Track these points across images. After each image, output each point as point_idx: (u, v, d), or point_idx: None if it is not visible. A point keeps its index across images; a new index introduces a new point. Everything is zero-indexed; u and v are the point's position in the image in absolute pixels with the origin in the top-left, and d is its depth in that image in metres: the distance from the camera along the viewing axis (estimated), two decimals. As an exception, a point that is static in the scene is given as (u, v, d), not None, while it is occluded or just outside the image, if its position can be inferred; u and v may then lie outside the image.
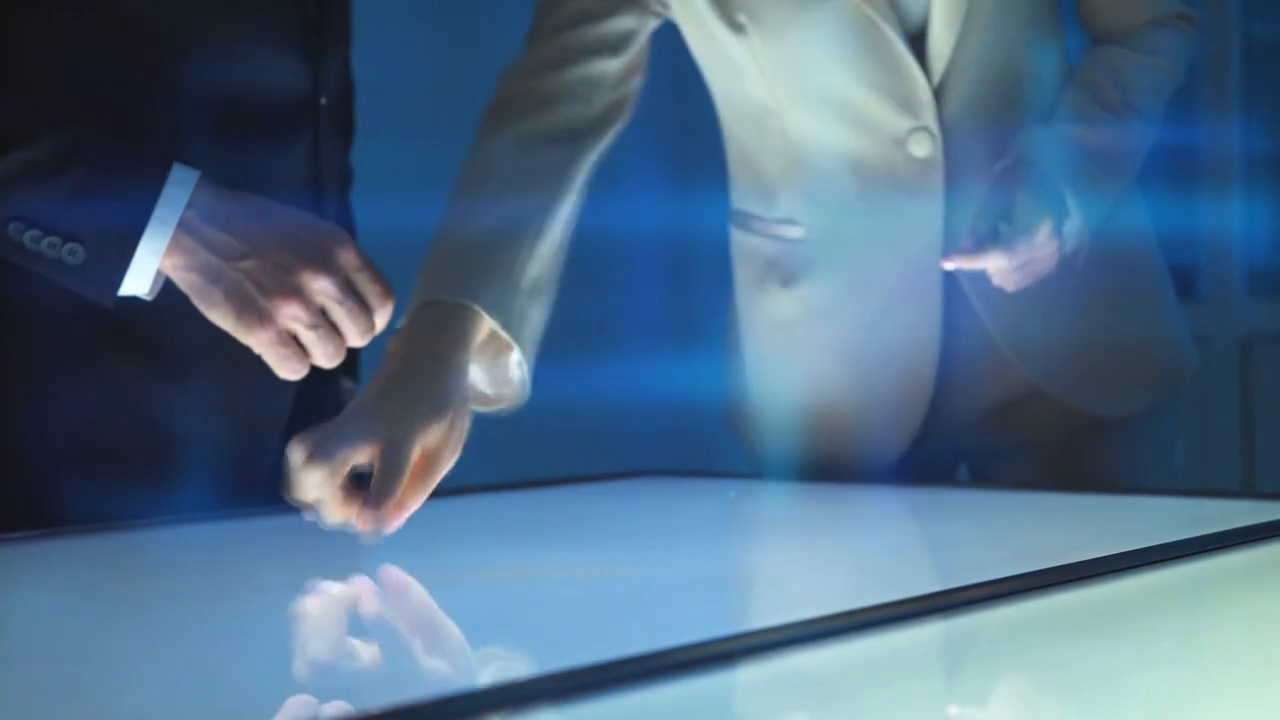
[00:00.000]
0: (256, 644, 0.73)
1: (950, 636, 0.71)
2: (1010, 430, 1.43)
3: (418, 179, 2.76)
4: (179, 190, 1.02)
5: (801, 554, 1.00)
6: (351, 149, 1.40)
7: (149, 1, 1.11)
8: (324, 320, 1.03)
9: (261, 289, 1.02)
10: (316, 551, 1.02)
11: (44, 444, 1.13)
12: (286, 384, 1.21)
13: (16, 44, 1.08)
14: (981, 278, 1.33)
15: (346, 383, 1.37)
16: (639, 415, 2.92)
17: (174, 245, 1.02)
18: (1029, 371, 1.39)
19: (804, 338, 1.42)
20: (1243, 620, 0.76)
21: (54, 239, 1.01)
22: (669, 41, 1.41)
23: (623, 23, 1.34)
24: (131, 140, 1.07)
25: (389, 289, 1.06)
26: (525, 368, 1.15)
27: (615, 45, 1.33)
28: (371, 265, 1.05)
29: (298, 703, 0.61)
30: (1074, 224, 1.32)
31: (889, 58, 1.32)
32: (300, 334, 1.03)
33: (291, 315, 1.02)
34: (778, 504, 1.31)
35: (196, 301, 1.03)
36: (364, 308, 1.04)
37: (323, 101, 1.23)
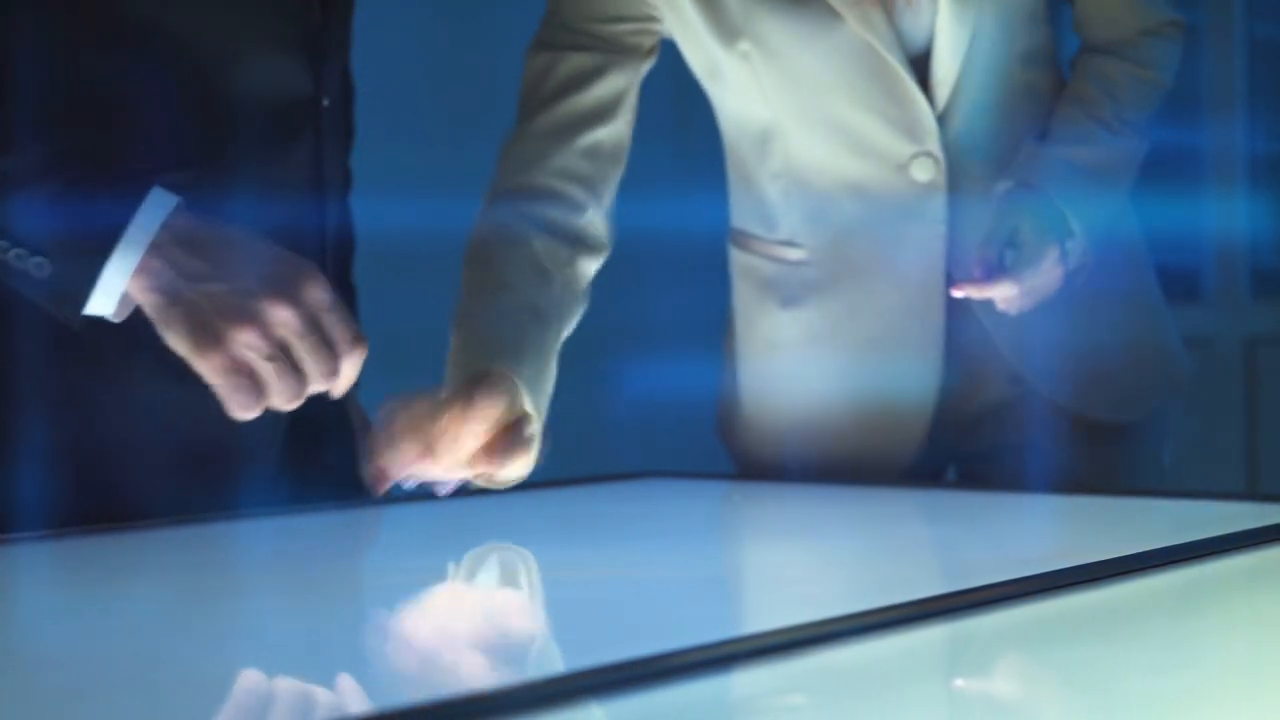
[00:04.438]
0: (257, 644, 0.73)
1: (952, 640, 0.71)
2: (1000, 432, 1.43)
3: (417, 181, 2.76)
4: (154, 212, 1.00)
5: (800, 556, 0.99)
6: (351, 152, 1.40)
7: (151, 3, 1.11)
8: (284, 356, 0.99)
9: (219, 313, 0.98)
10: (317, 553, 1.02)
11: (47, 446, 1.13)
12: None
13: (12, 46, 1.08)
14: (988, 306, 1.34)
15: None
16: (640, 416, 2.92)
17: (142, 268, 0.99)
18: (1037, 380, 1.39)
19: (804, 359, 1.42)
20: (1245, 624, 0.76)
21: (21, 250, 0.99)
22: (673, 43, 1.41)
23: (614, 83, 1.35)
24: (126, 152, 1.07)
25: (360, 335, 1.02)
26: (536, 441, 1.15)
27: (609, 110, 1.35)
28: (344, 308, 1.02)
29: (298, 703, 0.61)
30: (1076, 243, 1.33)
31: (892, 86, 1.32)
32: (257, 366, 0.99)
33: (246, 342, 0.98)
34: (777, 505, 1.31)
35: (155, 321, 1.00)
36: (329, 349, 1.00)
37: (325, 103, 1.22)
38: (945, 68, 1.32)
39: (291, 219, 1.20)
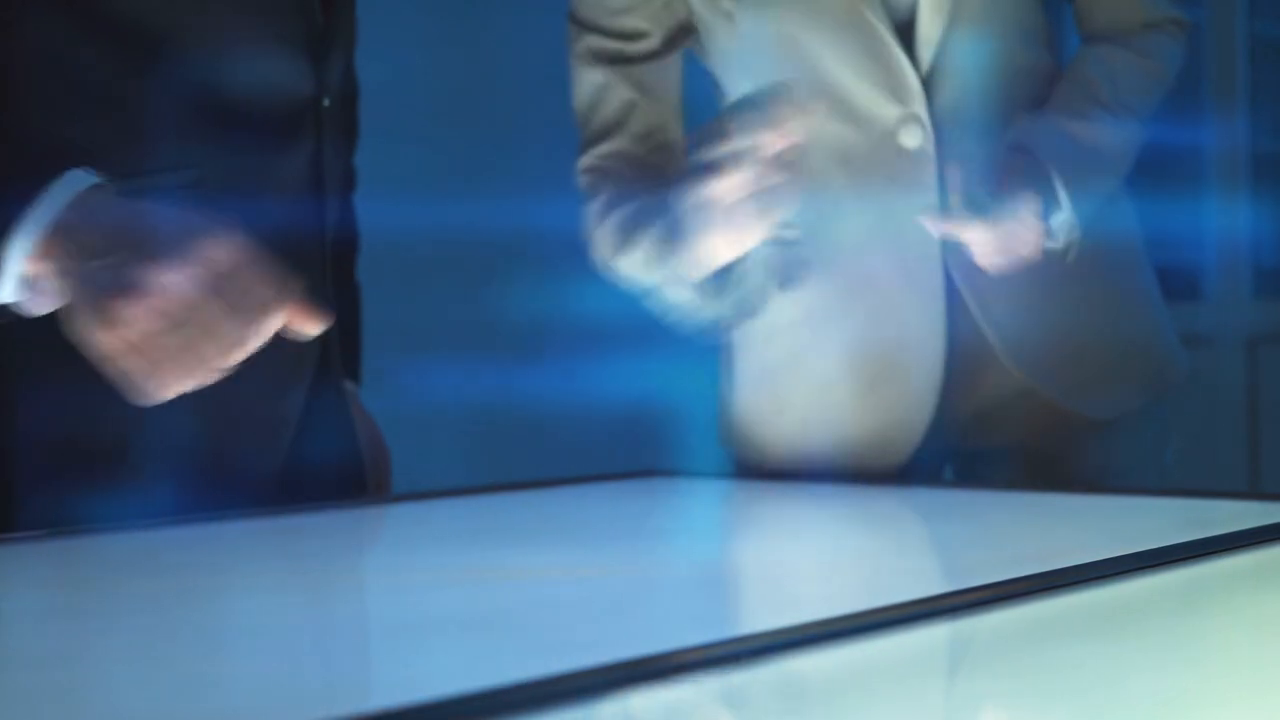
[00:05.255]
0: (257, 645, 0.72)
1: (952, 640, 0.71)
2: (997, 432, 1.42)
3: (422, 180, 2.76)
4: (62, 193, 0.91)
5: (800, 556, 0.99)
6: (355, 151, 1.40)
7: (151, 2, 1.11)
8: (184, 328, 0.87)
9: (108, 290, 0.87)
10: (318, 552, 1.02)
11: (50, 445, 1.13)
12: (293, 388, 1.20)
13: (14, 42, 1.08)
14: (976, 276, 1.33)
15: (349, 385, 1.36)
16: (639, 415, 2.92)
17: (45, 251, 0.90)
18: (1022, 371, 1.38)
19: (805, 341, 1.42)
20: (1247, 623, 0.75)
21: None
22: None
23: (657, 107, 1.45)
24: (124, 151, 1.05)
25: (281, 291, 0.89)
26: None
27: (663, 121, 1.45)
28: (257, 266, 0.89)
29: (297, 704, 0.61)
30: (1065, 217, 1.32)
31: (875, 46, 1.32)
32: (152, 343, 0.87)
33: (133, 316, 0.86)
34: (777, 505, 1.30)
35: (49, 308, 0.92)
36: (238, 313, 0.88)
37: (326, 103, 1.22)
38: (928, 25, 1.32)
39: (291, 219, 1.20)
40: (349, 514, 1.22)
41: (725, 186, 1.11)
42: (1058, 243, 1.33)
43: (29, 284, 0.92)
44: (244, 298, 0.88)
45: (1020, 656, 0.67)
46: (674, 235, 1.22)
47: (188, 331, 0.87)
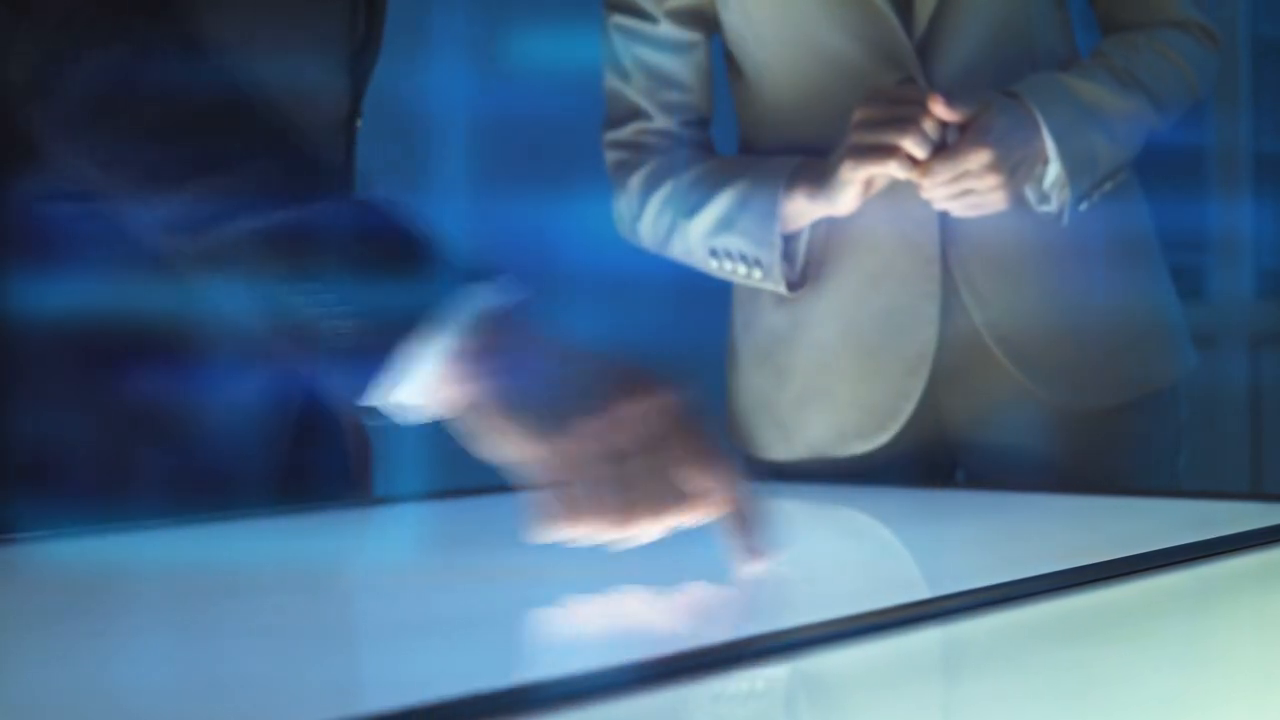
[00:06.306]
0: (257, 645, 0.72)
1: (953, 641, 0.70)
2: (1005, 433, 1.41)
3: (422, 179, 2.76)
4: (477, 303, 0.82)
5: (802, 557, 0.99)
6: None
7: (205, 21, 1.08)
8: (638, 461, 0.80)
9: (558, 401, 0.80)
10: (320, 552, 1.01)
11: (53, 446, 1.12)
12: (294, 387, 1.20)
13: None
14: (973, 267, 1.33)
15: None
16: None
17: (460, 364, 0.81)
18: (1004, 355, 1.38)
19: (808, 308, 1.42)
20: (1251, 624, 0.75)
21: (337, 318, 0.82)
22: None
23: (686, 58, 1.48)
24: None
25: (719, 471, 0.81)
26: None
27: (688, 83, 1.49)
28: (699, 435, 0.81)
29: (297, 704, 0.61)
30: (1055, 173, 1.31)
31: (869, 11, 1.33)
32: (599, 473, 0.80)
33: (591, 432, 0.79)
34: (776, 505, 1.30)
35: (472, 414, 0.82)
36: (691, 465, 0.81)
37: (357, 124, 1.22)
38: None
39: None
40: (345, 514, 1.22)
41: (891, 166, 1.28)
42: (1050, 204, 1.33)
43: (435, 391, 0.83)
44: (694, 452, 0.81)
45: (1023, 657, 0.67)
46: (763, 194, 1.34)
47: (645, 472, 0.80)
